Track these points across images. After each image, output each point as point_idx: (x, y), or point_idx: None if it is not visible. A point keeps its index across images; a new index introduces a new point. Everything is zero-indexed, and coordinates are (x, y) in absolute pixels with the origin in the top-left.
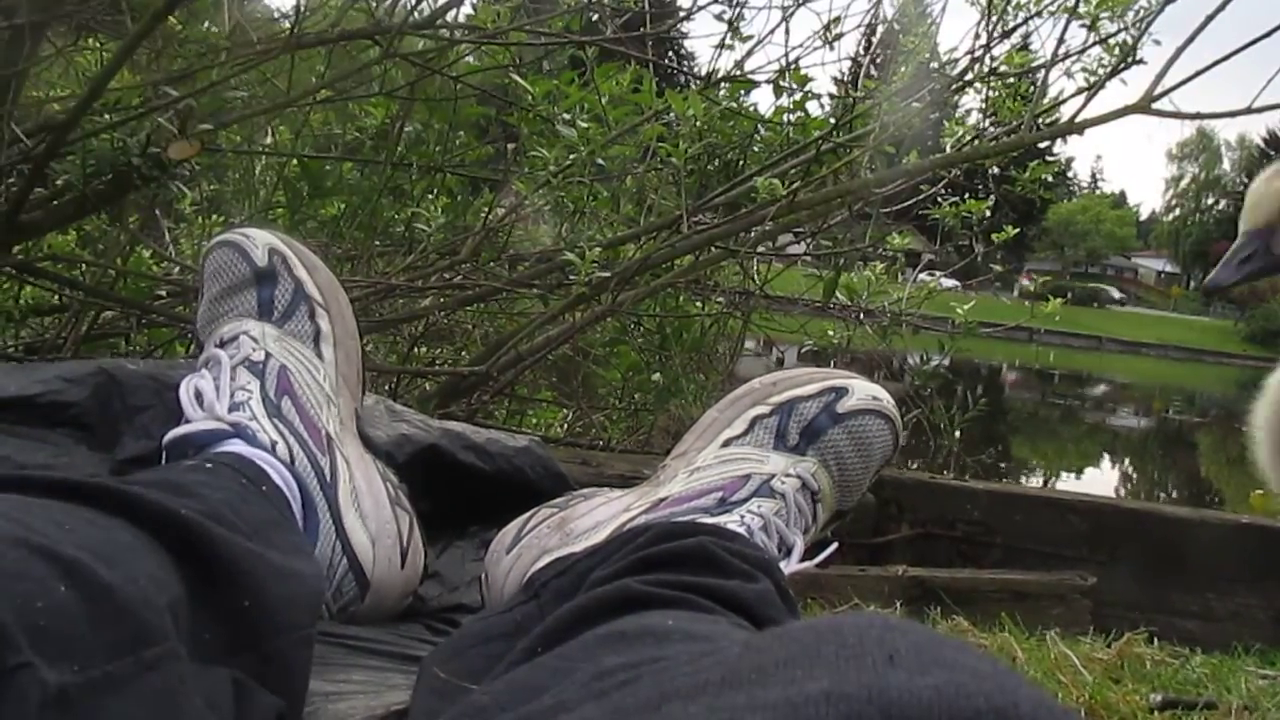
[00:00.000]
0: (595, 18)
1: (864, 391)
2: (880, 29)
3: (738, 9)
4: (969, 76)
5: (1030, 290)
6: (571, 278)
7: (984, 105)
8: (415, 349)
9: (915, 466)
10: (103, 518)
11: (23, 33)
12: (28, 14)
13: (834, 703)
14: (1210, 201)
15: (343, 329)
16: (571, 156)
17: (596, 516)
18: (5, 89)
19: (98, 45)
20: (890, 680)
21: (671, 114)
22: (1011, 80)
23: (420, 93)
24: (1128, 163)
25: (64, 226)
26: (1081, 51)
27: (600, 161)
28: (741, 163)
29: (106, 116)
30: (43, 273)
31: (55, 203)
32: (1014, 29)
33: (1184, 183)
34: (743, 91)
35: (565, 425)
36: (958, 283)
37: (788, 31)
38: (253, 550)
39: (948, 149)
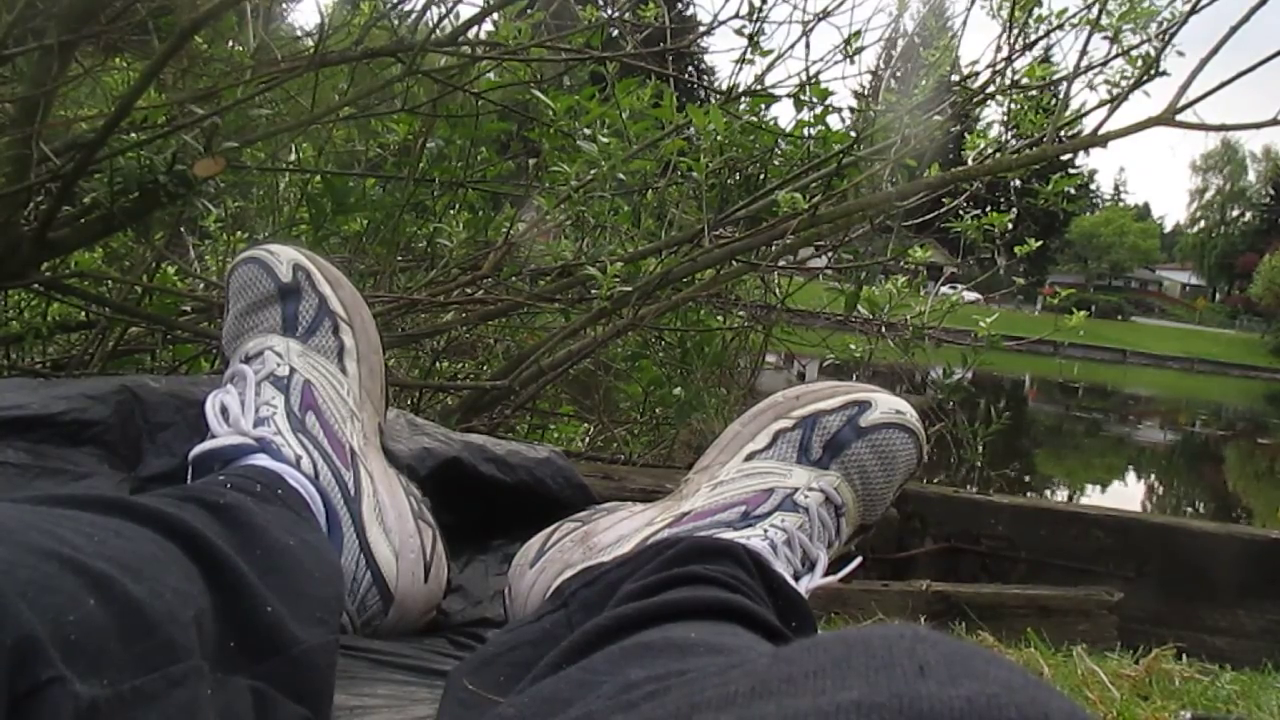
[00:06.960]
0: (616, 34)
1: (887, 405)
2: (901, 42)
3: (758, 24)
4: (990, 89)
5: (1053, 303)
6: (593, 292)
7: (1006, 118)
8: (437, 364)
9: (939, 481)
10: (130, 527)
11: (52, 53)
12: (56, 35)
13: (865, 712)
14: (1235, 213)
15: (366, 344)
16: (592, 171)
17: (619, 530)
18: (34, 109)
19: (125, 65)
20: (921, 691)
21: (692, 128)
22: (1033, 93)
23: (442, 109)
24: (1151, 175)
25: (91, 244)
26: (1104, 64)
27: (621, 176)
28: (762, 177)
29: (133, 135)
30: (70, 289)
31: (83, 220)
32: (1035, 41)
33: (1209, 195)
34: (763, 106)
35: (586, 439)
36: (980, 296)
37: (808, 46)
38: (275, 561)
39: (969, 162)
